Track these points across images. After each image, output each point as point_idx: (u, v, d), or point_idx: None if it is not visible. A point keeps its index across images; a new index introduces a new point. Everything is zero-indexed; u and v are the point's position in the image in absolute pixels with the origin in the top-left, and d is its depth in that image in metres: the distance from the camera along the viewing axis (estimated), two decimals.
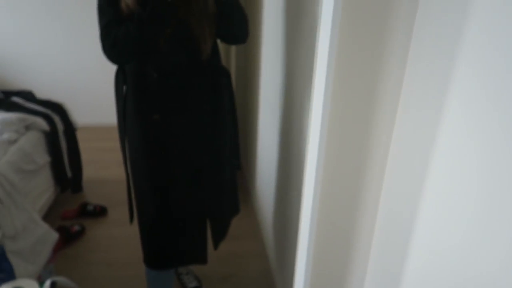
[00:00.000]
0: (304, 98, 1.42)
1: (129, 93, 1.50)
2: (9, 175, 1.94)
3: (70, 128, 2.71)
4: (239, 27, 1.47)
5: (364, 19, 0.70)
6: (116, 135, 1.63)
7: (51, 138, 2.49)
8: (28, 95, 2.73)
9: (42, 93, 3.18)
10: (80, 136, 2.88)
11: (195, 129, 1.53)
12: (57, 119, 2.58)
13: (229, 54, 2.98)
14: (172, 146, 1.52)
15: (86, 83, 3.94)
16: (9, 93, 2.73)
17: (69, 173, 2.67)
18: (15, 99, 2.64)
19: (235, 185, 1.78)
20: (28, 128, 2.37)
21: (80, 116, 3.21)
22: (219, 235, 1.73)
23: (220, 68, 1.57)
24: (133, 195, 1.63)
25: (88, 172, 3.03)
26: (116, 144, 1.67)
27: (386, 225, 0.83)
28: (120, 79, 1.52)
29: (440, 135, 0.63)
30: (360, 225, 0.87)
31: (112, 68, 1.54)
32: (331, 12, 0.68)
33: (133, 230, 1.79)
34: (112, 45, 1.33)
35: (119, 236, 2.39)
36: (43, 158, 2.40)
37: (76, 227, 2.39)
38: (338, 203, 0.85)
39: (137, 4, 1.29)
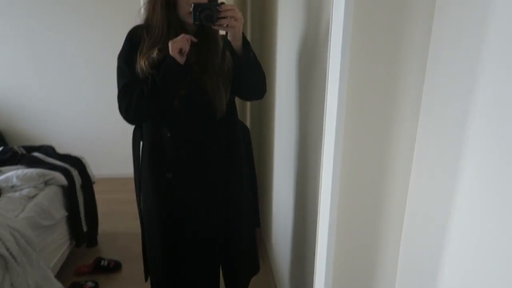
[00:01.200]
0: (318, 151, 1.42)
1: (145, 149, 1.52)
2: (26, 232, 1.95)
3: (87, 182, 2.74)
4: (257, 83, 1.48)
5: (375, 68, 0.71)
6: (133, 186, 1.65)
7: (68, 193, 2.52)
8: (48, 150, 2.80)
9: (62, 146, 3.27)
10: (97, 187, 2.91)
11: (209, 190, 1.52)
12: (75, 173, 2.63)
13: (244, 107, 3.03)
14: (185, 207, 1.51)
15: (105, 135, 4.05)
16: (31, 148, 2.81)
17: (85, 227, 2.67)
18: (36, 154, 2.71)
19: (255, 244, 1.73)
20: (47, 183, 2.41)
21: (98, 167, 3.27)
22: None
23: (236, 124, 1.57)
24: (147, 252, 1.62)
25: (104, 225, 3.03)
26: (133, 196, 1.69)
27: (408, 276, 0.79)
28: (137, 135, 1.56)
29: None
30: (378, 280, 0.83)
31: None
32: (339, 61, 0.69)
33: None
34: (127, 107, 1.38)
35: None
36: (60, 213, 2.41)
37: (90, 284, 2.35)
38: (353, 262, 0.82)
39: (152, 67, 1.34)
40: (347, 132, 0.72)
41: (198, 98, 1.44)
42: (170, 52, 1.30)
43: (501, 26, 0.53)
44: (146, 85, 1.35)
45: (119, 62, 1.43)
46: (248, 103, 2.91)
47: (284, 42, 1.91)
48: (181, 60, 1.31)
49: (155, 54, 1.33)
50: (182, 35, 1.31)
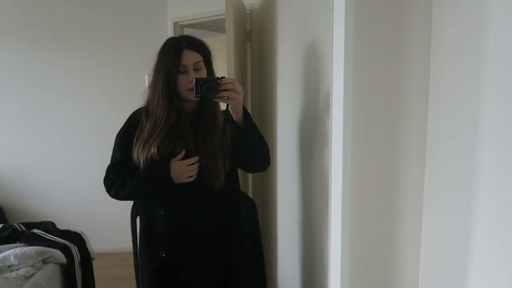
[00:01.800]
0: (323, 227, 1.40)
1: (141, 225, 1.50)
2: None
3: (87, 259, 2.67)
4: (260, 155, 1.47)
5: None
6: (133, 261, 1.60)
7: (67, 271, 2.44)
8: (48, 226, 2.75)
9: (62, 221, 3.21)
10: (96, 263, 2.82)
11: (206, 274, 1.45)
12: (75, 250, 2.56)
13: (245, 177, 3.04)
14: None
15: (105, 209, 4.00)
16: (30, 225, 2.77)
17: None
18: (36, 230, 2.66)
19: None
20: (45, 261, 2.34)
21: (98, 241, 3.20)
22: None
23: (238, 198, 1.53)
24: None
25: None
26: (133, 272, 1.63)
27: None
28: (134, 211, 1.55)
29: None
30: None
31: None
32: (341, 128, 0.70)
33: None
34: (109, 188, 1.46)
35: None
36: None
37: None
38: None
39: (144, 165, 1.39)
40: (354, 191, 0.72)
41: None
42: (176, 178, 1.38)
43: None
44: (130, 177, 1.40)
45: (115, 140, 1.50)
46: (250, 174, 2.92)
47: (284, 113, 1.96)
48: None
49: (151, 153, 1.37)
50: (191, 164, 1.39)
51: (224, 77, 1.36)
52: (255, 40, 2.84)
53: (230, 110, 1.36)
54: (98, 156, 3.87)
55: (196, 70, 1.41)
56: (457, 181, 0.66)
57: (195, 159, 1.39)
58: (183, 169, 1.38)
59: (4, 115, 3.84)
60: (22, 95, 3.83)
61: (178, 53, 1.39)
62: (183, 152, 1.39)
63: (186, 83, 1.38)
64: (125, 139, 1.45)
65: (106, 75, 3.82)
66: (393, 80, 0.72)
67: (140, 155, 1.38)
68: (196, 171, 1.39)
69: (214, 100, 1.36)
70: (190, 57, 1.40)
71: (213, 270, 1.46)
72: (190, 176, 1.38)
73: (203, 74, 1.42)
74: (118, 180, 1.43)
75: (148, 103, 1.46)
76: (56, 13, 3.71)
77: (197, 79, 1.33)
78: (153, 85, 1.43)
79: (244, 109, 1.40)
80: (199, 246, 1.45)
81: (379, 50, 0.72)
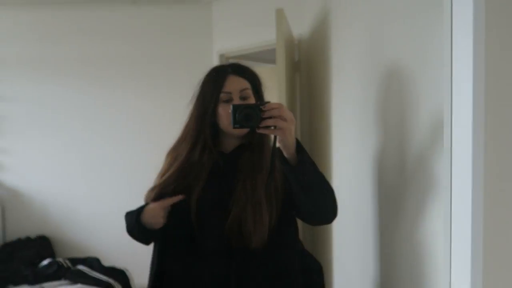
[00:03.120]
0: None
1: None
2: None
3: None
4: (321, 202, 1.14)
5: None
6: None
7: None
8: (93, 263, 2.72)
9: (107, 257, 3.17)
10: None
11: None
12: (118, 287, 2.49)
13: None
14: None
15: (149, 246, 3.94)
16: (76, 261, 2.74)
17: None
18: (81, 267, 2.63)
19: None
20: None
21: (142, 277, 3.11)
22: None
23: (292, 260, 1.21)
24: None
25: None
26: None
27: None
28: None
29: None
30: None
31: None
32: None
33: None
34: (126, 227, 1.32)
35: None
36: None
37: None
38: None
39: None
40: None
41: (220, 225, 1.15)
42: (145, 221, 1.19)
43: None
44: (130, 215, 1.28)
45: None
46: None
47: (344, 153, 1.70)
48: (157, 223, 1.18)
49: (153, 193, 1.22)
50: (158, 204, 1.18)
51: (268, 102, 1.08)
52: (304, 70, 2.74)
53: (279, 144, 1.07)
54: (143, 192, 3.85)
55: (243, 99, 1.18)
56: None
57: (174, 198, 1.16)
58: (155, 211, 1.16)
59: (53, 148, 3.91)
60: (69, 129, 3.88)
61: (221, 78, 1.19)
62: (178, 198, 1.17)
63: (229, 114, 1.09)
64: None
65: (151, 111, 3.83)
66: None
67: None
68: (166, 211, 1.17)
69: (257, 131, 1.07)
70: (236, 83, 1.18)
71: None
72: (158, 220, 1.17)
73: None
74: (127, 221, 1.31)
75: (177, 141, 1.26)
76: (104, 49, 3.79)
77: (234, 106, 1.07)
78: (188, 117, 1.24)
79: (298, 142, 1.10)
80: None
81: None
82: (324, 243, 1.98)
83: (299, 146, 1.09)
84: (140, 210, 1.22)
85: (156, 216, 1.17)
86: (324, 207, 1.16)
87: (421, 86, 0.96)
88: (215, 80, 1.20)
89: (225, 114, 1.16)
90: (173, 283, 1.21)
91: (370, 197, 1.33)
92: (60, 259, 2.73)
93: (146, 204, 1.23)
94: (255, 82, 1.24)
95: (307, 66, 2.69)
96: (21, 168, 3.79)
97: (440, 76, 0.62)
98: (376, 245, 1.29)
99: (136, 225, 1.21)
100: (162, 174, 1.25)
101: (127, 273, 2.71)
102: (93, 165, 3.93)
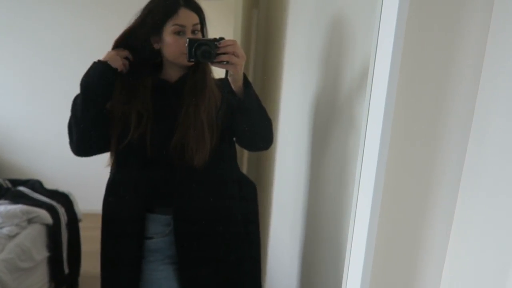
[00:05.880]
0: (338, 226, 1.24)
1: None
2: (3, 276, 1.82)
3: (73, 220, 2.62)
4: (260, 131, 1.29)
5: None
6: None
7: (52, 232, 2.39)
8: (35, 185, 2.69)
9: (50, 180, 3.14)
10: (83, 224, 2.78)
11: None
12: (61, 211, 2.51)
13: (240, 153, 2.95)
14: None
15: (94, 170, 3.93)
16: (17, 182, 2.70)
17: (66, 269, 2.52)
18: (22, 188, 2.59)
19: None
20: (30, 221, 2.28)
21: (86, 202, 3.15)
22: None
23: (233, 175, 1.37)
24: None
25: (86, 265, 2.86)
26: None
27: None
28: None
29: None
30: None
31: None
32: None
33: None
34: (69, 134, 1.34)
35: None
36: (41, 253, 2.27)
37: None
38: None
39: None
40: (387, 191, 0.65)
41: (166, 138, 1.25)
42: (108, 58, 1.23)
43: None
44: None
45: None
46: (245, 151, 2.83)
47: (291, 91, 1.81)
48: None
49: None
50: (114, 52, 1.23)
51: (223, 38, 1.16)
52: (263, 7, 2.69)
53: (229, 78, 1.19)
54: None
55: (193, 33, 1.24)
56: (499, 193, 0.60)
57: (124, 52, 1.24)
58: (112, 55, 1.23)
59: None
60: (9, 48, 3.67)
61: (173, 9, 1.22)
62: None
63: (182, 46, 1.18)
64: None
65: (101, 33, 3.66)
66: (443, 67, 0.62)
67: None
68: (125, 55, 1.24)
69: (211, 65, 1.19)
70: (190, 18, 1.23)
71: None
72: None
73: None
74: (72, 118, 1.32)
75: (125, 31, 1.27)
76: None
77: (191, 40, 1.14)
78: (134, 20, 1.25)
79: (245, 77, 1.22)
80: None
81: (431, 34, 0.61)
82: (266, 170, 2.13)
83: (246, 81, 1.21)
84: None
85: (114, 58, 1.23)
86: (262, 135, 1.31)
87: (358, 35, 1.03)
88: (166, 7, 1.22)
89: (175, 45, 1.22)
90: (120, 191, 1.35)
91: (306, 130, 1.50)
92: (0, 180, 2.67)
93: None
94: (202, 17, 1.28)
95: (266, 3, 2.63)
96: None
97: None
98: (307, 170, 1.47)
99: (93, 71, 1.24)
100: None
101: (71, 197, 2.71)
102: (34, 85, 3.78)
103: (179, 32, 1.22)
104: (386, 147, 0.58)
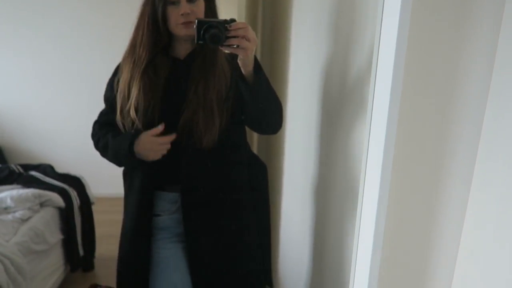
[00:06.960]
0: (344, 196, 1.20)
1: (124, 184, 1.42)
2: (17, 259, 1.83)
3: (86, 203, 2.63)
4: (270, 115, 1.25)
5: None
6: None
7: (65, 215, 2.41)
8: (47, 169, 2.69)
9: (61, 165, 3.16)
10: (96, 207, 2.80)
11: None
12: (74, 194, 2.52)
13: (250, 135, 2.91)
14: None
15: None
16: (28, 167, 2.71)
17: (81, 251, 2.54)
18: (34, 173, 2.61)
19: None
20: (43, 205, 2.29)
21: (98, 186, 3.17)
22: None
23: (238, 158, 1.32)
24: None
25: (101, 248, 2.90)
26: None
27: None
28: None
29: None
30: None
31: None
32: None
33: None
34: (96, 147, 1.36)
35: None
36: (55, 236, 2.29)
37: None
38: None
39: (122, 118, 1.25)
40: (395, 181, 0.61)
41: (175, 118, 1.22)
42: (142, 154, 1.19)
43: None
44: (103, 138, 1.30)
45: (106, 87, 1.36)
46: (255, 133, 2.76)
47: (300, 70, 1.73)
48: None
49: (131, 113, 1.20)
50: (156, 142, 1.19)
51: (234, 20, 1.08)
52: None
53: (238, 62, 1.11)
54: (100, 100, 3.77)
55: (190, 1, 1.17)
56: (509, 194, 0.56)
57: (171, 137, 1.19)
58: (153, 146, 1.18)
59: (5, 56, 3.72)
60: (26, 35, 3.70)
61: None
62: (162, 128, 1.19)
63: (177, 16, 1.15)
64: (109, 90, 1.31)
65: (102, 22, 3.67)
66: (456, 51, 0.58)
67: (120, 114, 1.24)
68: (168, 147, 1.19)
69: (220, 48, 1.09)
70: None
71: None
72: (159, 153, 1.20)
73: (200, 7, 1.19)
74: (101, 141, 1.32)
75: (132, 42, 1.23)
76: None
77: (199, 21, 1.05)
78: (138, 22, 1.22)
79: (256, 61, 1.15)
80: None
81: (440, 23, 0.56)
82: (277, 152, 2.08)
83: (257, 65, 1.15)
84: (132, 139, 1.20)
85: (155, 149, 1.19)
86: (271, 120, 1.27)
87: (369, 11, 0.96)
88: None
89: (173, 17, 1.17)
90: (129, 168, 1.33)
91: (315, 109, 1.41)
92: (12, 165, 2.68)
93: (136, 132, 1.21)
94: None
95: None
96: None
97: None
98: (316, 152, 1.40)
99: (128, 153, 1.20)
100: (126, 81, 1.22)
101: (83, 180, 2.72)
102: (46, 71, 3.81)
103: (173, 2, 1.17)
104: (393, 134, 0.55)
